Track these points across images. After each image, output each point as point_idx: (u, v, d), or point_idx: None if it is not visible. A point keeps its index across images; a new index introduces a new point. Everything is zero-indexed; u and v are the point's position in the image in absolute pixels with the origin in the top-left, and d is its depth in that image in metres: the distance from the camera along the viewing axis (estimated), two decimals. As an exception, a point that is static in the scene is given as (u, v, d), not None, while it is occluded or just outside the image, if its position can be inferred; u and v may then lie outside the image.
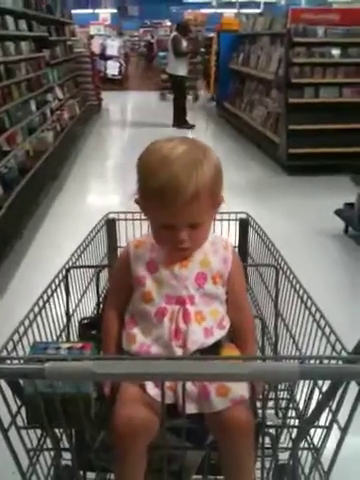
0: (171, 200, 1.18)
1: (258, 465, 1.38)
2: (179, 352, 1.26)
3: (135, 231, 1.90)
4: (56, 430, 1.27)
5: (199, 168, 1.19)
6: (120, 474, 1.22)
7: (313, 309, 1.33)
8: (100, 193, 6.14)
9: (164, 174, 1.17)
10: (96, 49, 14.76)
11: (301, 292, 1.43)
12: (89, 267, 1.65)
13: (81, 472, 1.39)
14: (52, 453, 1.28)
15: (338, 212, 4.73)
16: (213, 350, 1.29)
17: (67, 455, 1.30)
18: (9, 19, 5.28)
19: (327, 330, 1.22)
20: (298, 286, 1.46)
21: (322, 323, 1.26)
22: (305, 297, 1.39)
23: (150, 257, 1.34)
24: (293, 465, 1.20)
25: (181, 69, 10.04)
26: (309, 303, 1.36)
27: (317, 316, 1.29)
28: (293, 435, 1.25)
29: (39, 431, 1.26)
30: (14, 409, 1.12)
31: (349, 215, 4.60)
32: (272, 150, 7.27)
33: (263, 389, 1.29)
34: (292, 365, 0.87)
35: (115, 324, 1.39)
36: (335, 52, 6.61)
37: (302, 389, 1.20)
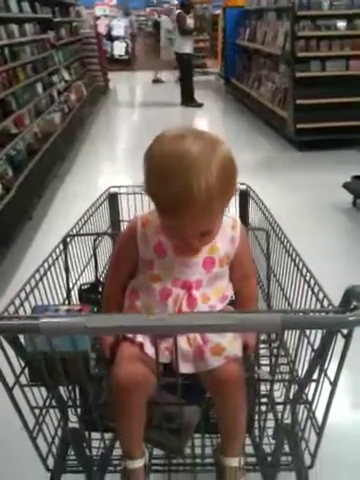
0: (182, 215, 1.10)
1: (256, 424, 1.45)
2: None
3: (137, 204, 1.95)
4: (61, 391, 1.33)
5: (209, 175, 1.07)
6: (121, 426, 1.29)
7: (304, 271, 1.37)
8: (108, 173, 6.17)
9: (175, 187, 1.07)
10: (102, 30, 14.67)
11: (294, 255, 1.47)
12: (88, 235, 1.69)
13: (86, 433, 1.46)
14: (58, 414, 1.34)
15: (346, 185, 4.73)
16: None
17: (73, 418, 1.37)
18: (12, 1, 5.28)
19: (316, 288, 1.27)
20: (291, 249, 1.50)
21: (312, 282, 1.30)
22: (297, 259, 1.44)
23: (158, 239, 1.30)
24: (292, 420, 1.26)
25: (187, 47, 9.98)
26: (301, 264, 1.40)
27: (308, 276, 1.33)
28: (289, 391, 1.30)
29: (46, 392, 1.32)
30: (17, 370, 1.18)
31: (357, 188, 4.61)
32: (280, 126, 7.23)
33: (255, 349, 1.34)
34: (275, 316, 0.92)
35: (117, 296, 1.41)
36: (341, 24, 6.52)
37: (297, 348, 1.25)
